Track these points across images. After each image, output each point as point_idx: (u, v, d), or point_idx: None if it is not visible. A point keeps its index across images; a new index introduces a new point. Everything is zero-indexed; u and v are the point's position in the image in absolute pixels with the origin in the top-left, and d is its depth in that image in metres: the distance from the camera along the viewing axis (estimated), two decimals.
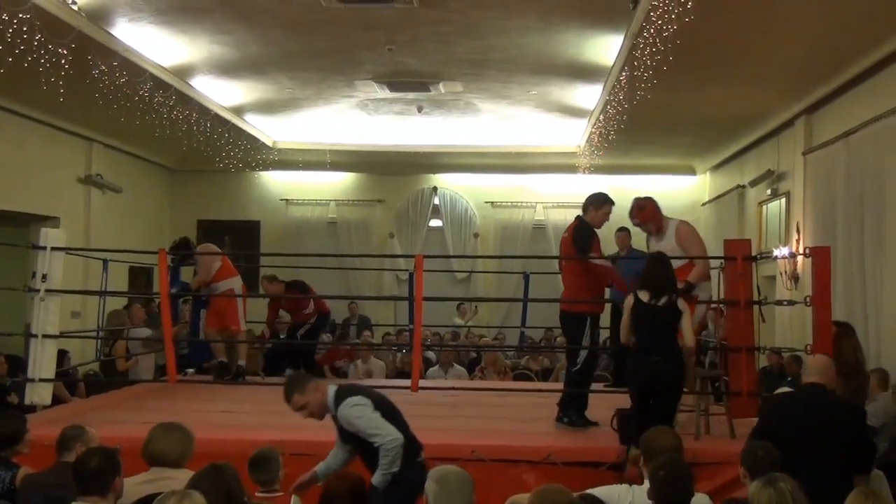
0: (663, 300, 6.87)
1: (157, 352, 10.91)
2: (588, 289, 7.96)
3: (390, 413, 5.65)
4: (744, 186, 15.32)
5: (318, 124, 15.67)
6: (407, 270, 14.07)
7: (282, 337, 11.96)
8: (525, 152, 17.32)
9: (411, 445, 5.66)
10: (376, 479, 5.28)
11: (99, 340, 11.74)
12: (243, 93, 13.32)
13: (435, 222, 18.98)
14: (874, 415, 7.50)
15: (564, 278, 8.16)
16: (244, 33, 10.43)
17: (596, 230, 8.01)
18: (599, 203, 8.01)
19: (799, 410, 5.82)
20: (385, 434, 5.44)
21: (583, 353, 7.96)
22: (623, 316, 7.15)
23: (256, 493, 5.10)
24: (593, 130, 13.93)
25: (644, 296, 6.93)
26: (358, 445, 5.64)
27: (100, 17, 9.55)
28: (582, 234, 7.98)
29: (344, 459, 5.74)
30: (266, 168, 17.50)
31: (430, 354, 13.19)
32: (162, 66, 11.35)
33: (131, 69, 10.51)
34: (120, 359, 11.13)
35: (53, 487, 4.92)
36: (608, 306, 9.32)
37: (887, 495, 4.03)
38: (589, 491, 4.87)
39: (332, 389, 5.73)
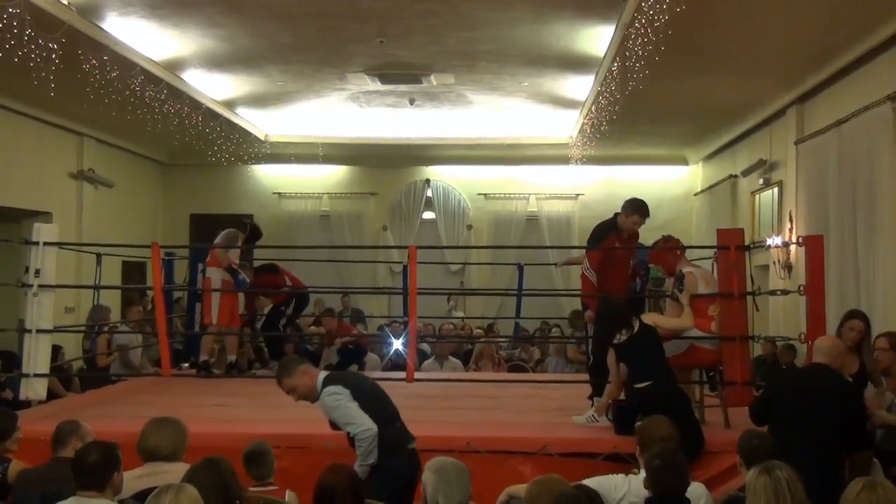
0: (635, 327, 6.87)
1: (152, 345, 10.86)
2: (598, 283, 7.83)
3: (372, 402, 5.65)
4: (736, 176, 15.34)
5: (310, 117, 15.63)
6: (401, 263, 14.04)
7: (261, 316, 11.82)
8: (517, 143, 17.29)
9: (400, 434, 5.68)
10: (355, 469, 5.19)
11: (86, 337, 11.69)
12: (235, 86, 13.29)
13: (428, 214, 18.93)
14: None
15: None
16: (235, 26, 10.40)
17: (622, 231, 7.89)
18: (629, 211, 7.82)
19: (801, 384, 5.89)
20: (357, 425, 5.48)
21: (591, 345, 8.02)
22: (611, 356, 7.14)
23: (251, 487, 5.12)
24: (585, 121, 13.92)
25: (620, 337, 6.92)
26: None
27: (90, 11, 9.52)
28: (597, 230, 8.00)
29: None
30: (258, 162, 17.46)
31: (426, 347, 13.16)
32: (153, 60, 11.31)
33: (122, 63, 10.47)
34: (101, 355, 11.08)
35: (50, 483, 4.91)
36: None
37: (888, 483, 4.04)
38: (585, 481, 4.88)
39: (321, 376, 5.77)
